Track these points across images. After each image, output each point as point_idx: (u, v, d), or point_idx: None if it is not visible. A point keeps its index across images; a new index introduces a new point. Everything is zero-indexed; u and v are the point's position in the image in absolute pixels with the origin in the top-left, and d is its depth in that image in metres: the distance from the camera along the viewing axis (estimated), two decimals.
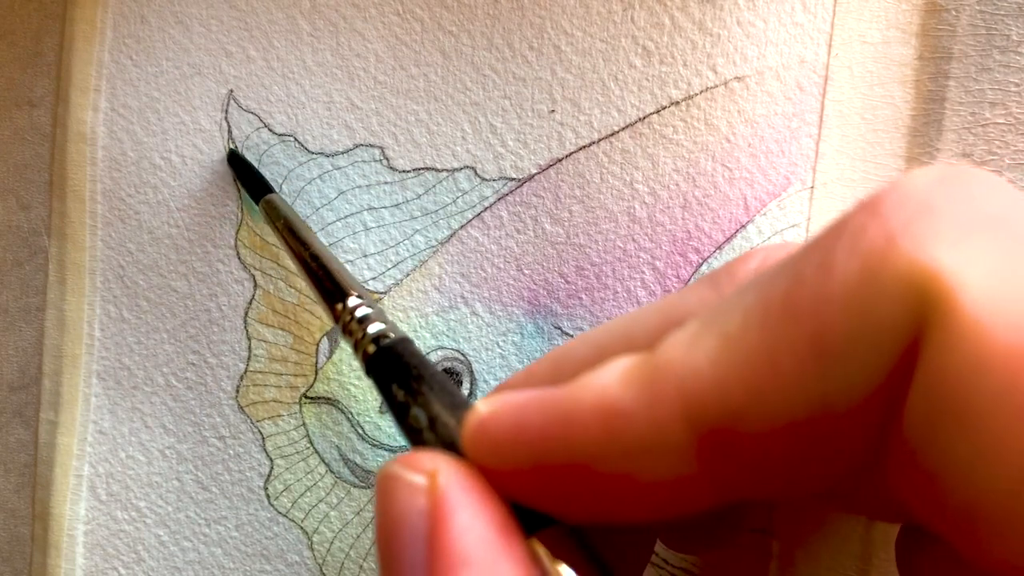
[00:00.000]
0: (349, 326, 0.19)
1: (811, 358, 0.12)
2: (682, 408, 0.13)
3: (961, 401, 0.11)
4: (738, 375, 0.13)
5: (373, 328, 0.18)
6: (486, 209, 0.23)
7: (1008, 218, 0.12)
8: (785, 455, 0.13)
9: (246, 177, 0.23)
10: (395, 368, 0.17)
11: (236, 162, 0.23)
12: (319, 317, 0.23)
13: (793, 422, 0.12)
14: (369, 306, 0.19)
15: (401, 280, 0.23)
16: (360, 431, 0.23)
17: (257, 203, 0.23)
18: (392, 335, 0.18)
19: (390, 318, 0.18)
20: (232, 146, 0.24)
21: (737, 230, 0.22)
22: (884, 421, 0.12)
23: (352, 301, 0.19)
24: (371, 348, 0.18)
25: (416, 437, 0.16)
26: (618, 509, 0.14)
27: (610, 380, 0.14)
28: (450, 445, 0.15)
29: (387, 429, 0.23)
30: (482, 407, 0.15)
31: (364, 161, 0.23)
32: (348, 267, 0.23)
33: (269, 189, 0.23)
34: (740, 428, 0.13)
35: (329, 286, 0.20)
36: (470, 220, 0.23)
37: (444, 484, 0.14)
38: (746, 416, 0.13)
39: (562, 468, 0.14)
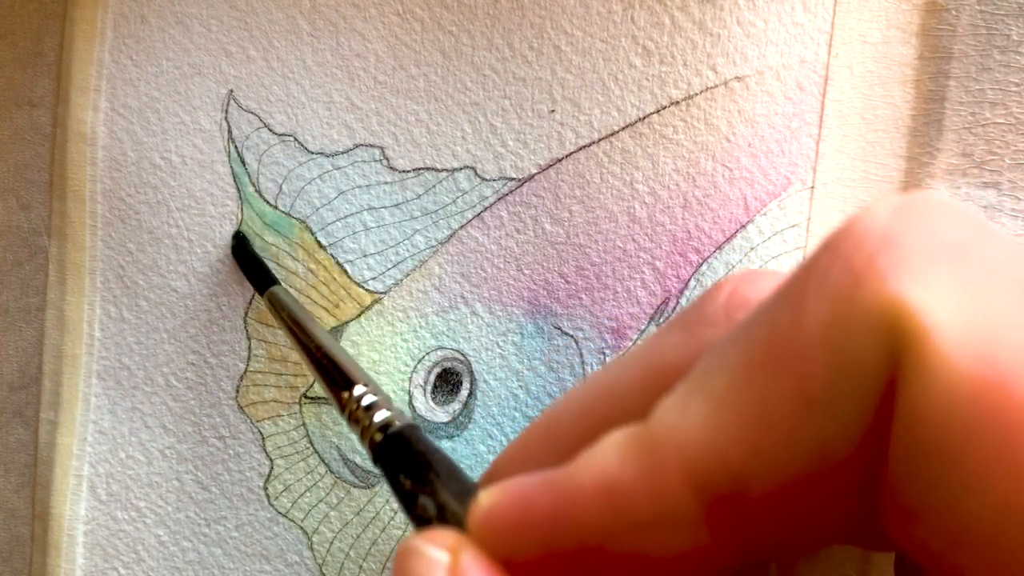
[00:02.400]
0: (356, 414, 0.19)
1: (800, 407, 0.12)
2: (684, 476, 0.13)
3: (937, 437, 0.11)
4: (733, 435, 0.13)
5: (379, 416, 0.18)
6: (486, 209, 0.23)
7: (969, 245, 0.12)
8: (792, 511, 0.13)
9: (250, 267, 0.23)
10: (402, 456, 0.17)
11: (241, 252, 0.23)
12: (318, 317, 0.23)
13: (795, 476, 0.12)
14: (375, 394, 0.19)
15: (401, 280, 0.23)
16: None
17: (261, 295, 0.22)
18: (398, 423, 0.18)
19: (396, 404, 0.19)
20: (239, 229, 0.23)
21: (737, 230, 0.22)
22: (877, 462, 0.12)
23: (358, 390, 0.19)
24: (378, 436, 0.18)
25: (425, 527, 0.16)
26: None
27: (608, 456, 0.13)
28: None
29: None
30: (485, 497, 0.14)
31: (364, 161, 0.23)
32: (348, 267, 0.23)
33: (273, 281, 0.23)
34: (745, 489, 0.13)
35: (335, 376, 0.20)
36: (470, 220, 0.23)
37: (465, 563, 0.14)
38: (749, 475, 0.12)
39: (573, 552, 0.13)
